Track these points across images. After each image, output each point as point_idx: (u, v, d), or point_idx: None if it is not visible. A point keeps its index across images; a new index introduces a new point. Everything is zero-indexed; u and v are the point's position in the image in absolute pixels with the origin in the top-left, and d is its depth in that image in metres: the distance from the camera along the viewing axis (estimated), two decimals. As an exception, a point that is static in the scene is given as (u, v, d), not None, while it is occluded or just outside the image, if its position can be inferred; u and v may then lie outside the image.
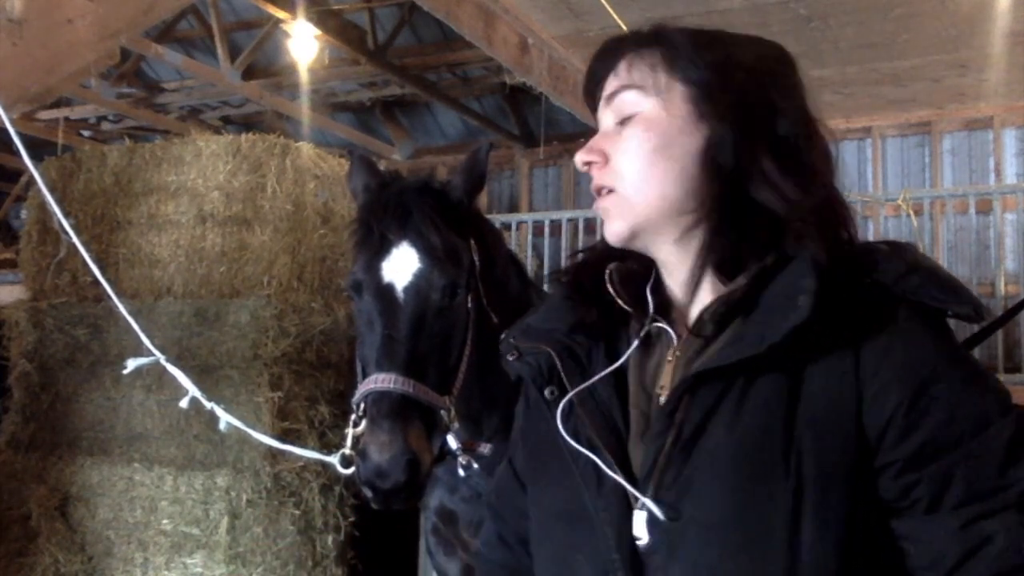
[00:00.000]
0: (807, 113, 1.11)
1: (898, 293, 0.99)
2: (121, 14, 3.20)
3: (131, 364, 3.02)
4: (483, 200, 9.69)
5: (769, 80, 1.10)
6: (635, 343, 1.12)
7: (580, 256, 1.23)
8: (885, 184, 7.87)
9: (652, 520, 1.01)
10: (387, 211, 2.24)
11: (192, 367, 4.47)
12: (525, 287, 2.80)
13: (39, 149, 8.81)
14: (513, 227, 5.68)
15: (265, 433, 4.21)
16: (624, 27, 5.44)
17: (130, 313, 4.44)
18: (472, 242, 2.33)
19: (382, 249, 2.20)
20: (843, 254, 1.03)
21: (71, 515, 4.49)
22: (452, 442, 2.18)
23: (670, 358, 1.10)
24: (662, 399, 1.07)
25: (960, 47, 6.05)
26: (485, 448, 2.45)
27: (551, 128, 8.69)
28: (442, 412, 2.14)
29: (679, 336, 1.11)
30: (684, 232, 1.09)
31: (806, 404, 0.98)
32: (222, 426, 3.09)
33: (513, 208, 9.12)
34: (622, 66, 1.15)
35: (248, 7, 7.36)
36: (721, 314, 1.05)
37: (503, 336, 1.22)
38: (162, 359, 2.99)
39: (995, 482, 0.94)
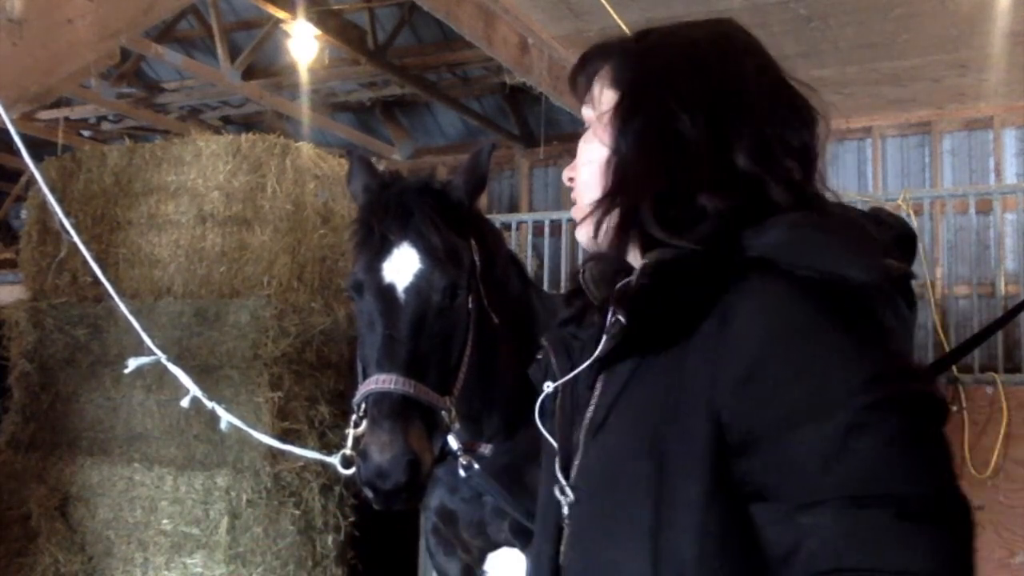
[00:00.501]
0: (748, 95, 1.09)
1: (767, 265, 0.94)
2: (121, 14, 3.20)
3: (132, 363, 3.02)
4: (483, 200, 9.68)
5: (685, 75, 1.10)
6: (604, 336, 1.12)
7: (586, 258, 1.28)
8: (885, 184, 7.87)
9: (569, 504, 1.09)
10: (388, 211, 2.24)
11: (192, 367, 4.47)
12: (525, 287, 2.80)
13: (39, 149, 8.80)
14: (513, 227, 5.68)
15: (265, 433, 4.21)
16: (624, 27, 5.44)
17: (130, 313, 4.45)
18: (472, 242, 2.33)
19: (383, 249, 2.20)
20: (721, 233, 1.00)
21: (71, 515, 4.49)
22: (453, 442, 2.17)
23: None
24: None
25: (960, 47, 6.05)
26: (486, 448, 2.45)
27: (551, 128, 8.69)
28: (443, 413, 2.13)
29: None
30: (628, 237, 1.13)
31: (673, 387, 0.96)
32: (223, 426, 3.09)
33: (513, 208, 9.12)
34: (594, 82, 1.19)
35: (248, 7, 7.36)
36: (618, 307, 1.09)
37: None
38: (163, 358, 3.00)
39: (816, 476, 0.85)
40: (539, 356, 1.25)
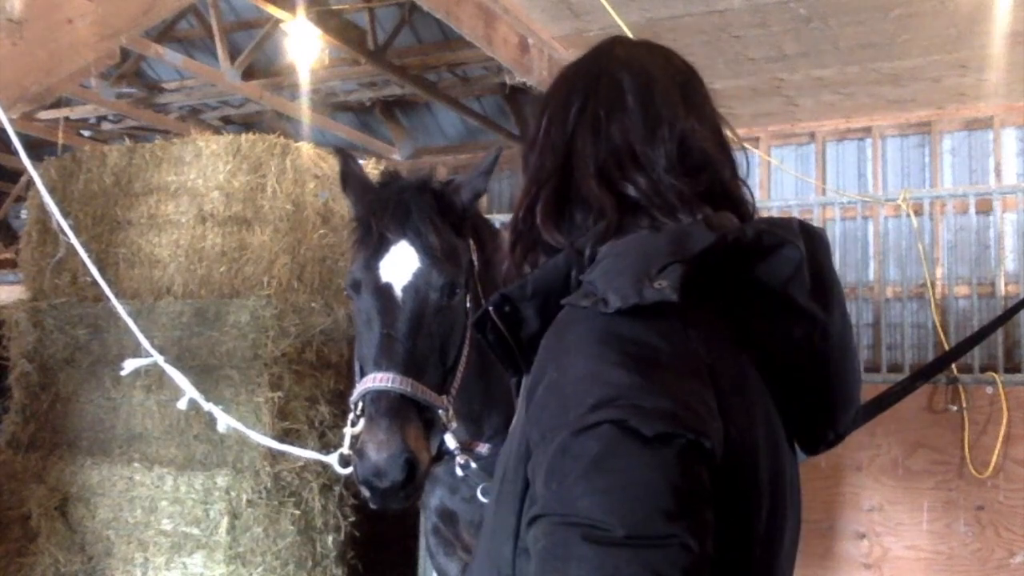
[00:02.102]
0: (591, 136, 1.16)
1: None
2: (121, 14, 3.20)
3: (129, 365, 3.02)
4: (483, 200, 9.68)
5: (556, 91, 1.21)
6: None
7: None
8: (885, 184, 7.86)
9: None
10: (386, 210, 2.24)
11: (192, 367, 4.47)
12: None
13: (39, 149, 8.80)
14: (513, 227, 5.68)
15: (264, 434, 4.21)
16: (624, 27, 5.44)
17: (130, 314, 4.46)
18: (471, 242, 2.33)
19: (381, 248, 2.20)
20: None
21: (71, 515, 4.48)
22: (450, 442, 2.17)
23: None
24: None
25: (960, 47, 6.05)
26: (483, 448, 2.45)
27: (551, 128, 8.68)
28: (440, 411, 2.13)
29: None
30: None
31: (522, 403, 1.06)
32: (221, 428, 3.09)
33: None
34: None
35: (248, 7, 7.36)
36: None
37: None
38: (160, 360, 2.99)
39: (540, 492, 0.90)
40: None
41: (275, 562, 4.26)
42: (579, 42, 6.14)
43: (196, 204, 4.71)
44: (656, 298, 0.92)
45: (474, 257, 2.33)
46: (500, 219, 5.82)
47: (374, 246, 2.22)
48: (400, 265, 2.18)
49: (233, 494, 4.21)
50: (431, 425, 2.12)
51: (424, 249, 2.19)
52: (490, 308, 1.09)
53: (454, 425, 2.18)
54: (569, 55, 6.30)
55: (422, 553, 4.70)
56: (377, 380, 2.06)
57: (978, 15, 5.50)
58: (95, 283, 4.81)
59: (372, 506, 2.12)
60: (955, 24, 5.66)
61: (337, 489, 4.50)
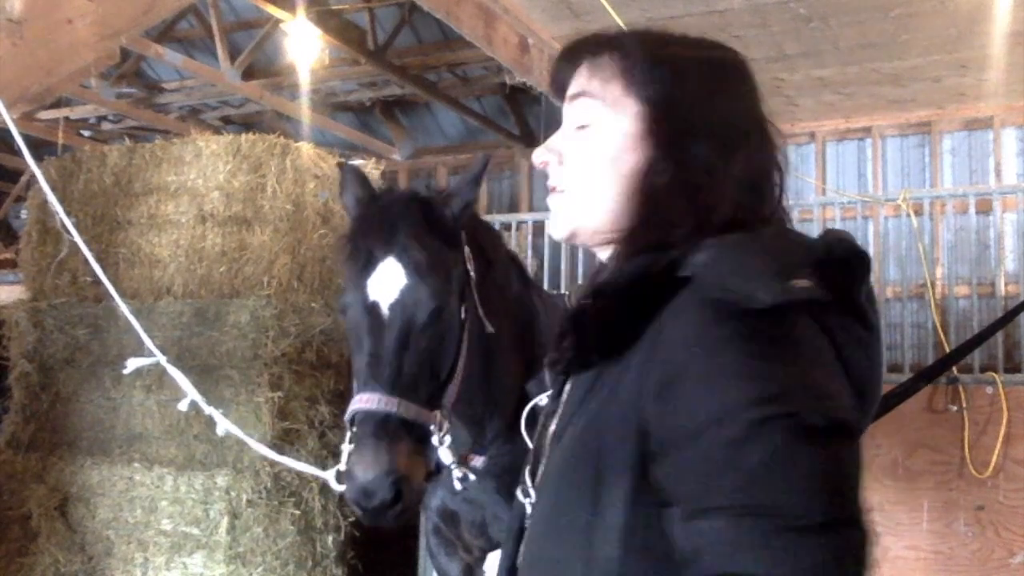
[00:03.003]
0: (745, 122, 1.16)
1: (695, 284, 1.01)
2: (121, 14, 3.20)
3: (131, 364, 3.02)
4: (483, 200, 9.68)
5: (707, 98, 1.15)
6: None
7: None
8: (885, 184, 7.86)
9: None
10: (373, 226, 2.23)
11: (192, 367, 4.47)
12: (526, 287, 2.79)
13: (39, 149, 8.80)
14: (513, 227, 5.67)
15: (265, 434, 4.21)
16: (624, 27, 5.44)
17: (130, 313, 4.46)
18: (467, 251, 2.30)
19: (368, 266, 2.18)
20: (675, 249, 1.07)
21: (71, 515, 4.48)
22: (445, 456, 2.13)
23: None
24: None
25: (960, 47, 6.05)
26: (478, 461, 2.44)
27: (551, 128, 8.66)
28: (432, 427, 2.10)
29: None
30: (613, 239, 1.16)
31: (614, 398, 1.03)
32: (220, 431, 3.09)
33: (513, 208, 9.11)
34: (583, 71, 1.20)
35: (248, 7, 7.36)
36: (574, 317, 1.14)
37: None
38: (163, 360, 2.99)
39: (710, 484, 0.91)
40: (540, 374, 1.30)
41: (275, 562, 4.26)
42: (579, 42, 6.14)
43: (196, 204, 4.71)
44: (804, 296, 0.97)
45: (470, 266, 2.29)
46: (500, 219, 5.83)
47: (361, 264, 2.20)
48: (386, 283, 2.16)
49: (233, 494, 4.21)
50: (424, 441, 2.11)
51: (410, 266, 2.16)
52: (588, 301, 1.11)
53: (448, 440, 2.14)
54: (569, 55, 6.30)
55: (422, 553, 4.70)
56: (363, 401, 2.05)
57: (978, 15, 5.50)
58: (95, 283, 4.83)
59: (365, 523, 2.12)
60: (955, 24, 5.66)
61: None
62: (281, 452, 3.92)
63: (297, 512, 4.35)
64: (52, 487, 4.50)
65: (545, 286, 5.47)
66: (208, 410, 3.02)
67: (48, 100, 6.04)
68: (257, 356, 4.37)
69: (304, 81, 7.45)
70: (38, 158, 4.52)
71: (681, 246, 1.05)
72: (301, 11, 6.44)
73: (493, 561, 3.05)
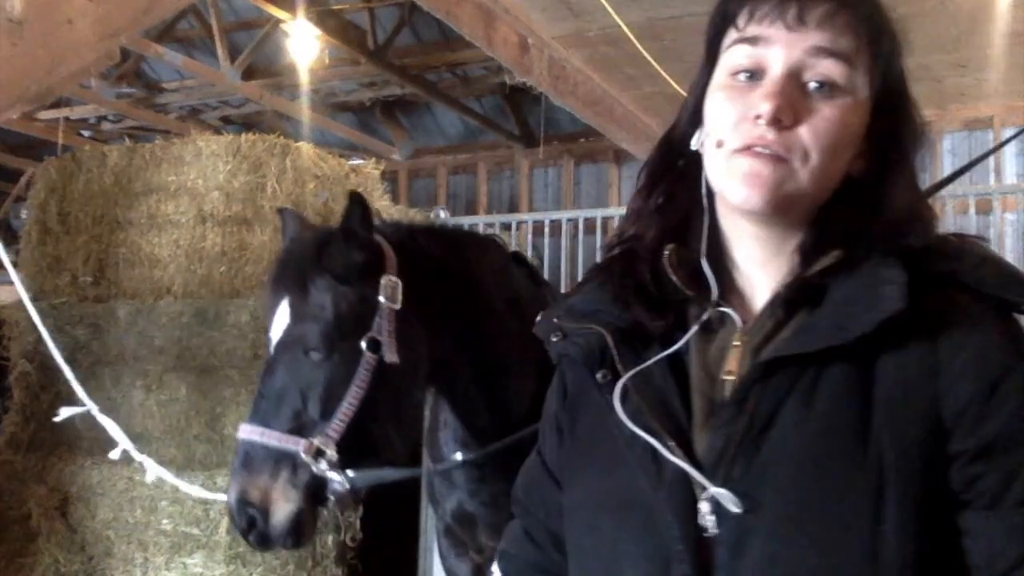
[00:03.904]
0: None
1: (972, 285, 0.98)
2: (121, 14, 3.20)
3: (64, 413, 3.17)
4: (483, 200, 9.69)
5: (901, 59, 1.10)
6: (695, 327, 1.07)
7: (618, 246, 1.18)
8: (885, 184, 7.86)
9: (719, 510, 0.97)
10: (276, 270, 2.34)
11: (192, 367, 4.47)
12: (538, 287, 2.80)
13: (39, 149, 8.81)
14: (513, 227, 5.67)
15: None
16: (624, 27, 5.44)
17: (130, 313, 4.47)
18: (387, 280, 2.25)
19: (272, 305, 2.28)
20: (922, 244, 1.02)
21: (71, 515, 4.48)
22: (331, 475, 2.14)
23: (737, 343, 1.05)
24: (727, 385, 1.04)
25: (960, 47, 6.05)
26: (457, 455, 2.45)
27: (551, 128, 8.69)
28: (303, 456, 2.12)
29: (744, 320, 1.07)
30: (810, 219, 1.05)
31: (883, 393, 0.96)
32: (149, 478, 3.27)
33: (513, 208, 9.12)
34: (826, 18, 1.02)
35: (248, 7, 7.36)
36: (793, 299, 1.02)
37: (540, 316, 1.18)
38: (94, 410, 3.15)
39: None
40: (567, 336, 1.12)
41: (275, 562, 4.26)
42: (579, 42, 6.14)
43: (196, 204, 4.71)
44: None
45: (386, 298, 2.24)
46: (500, 219, 5.83)
47: (267, 305, 2.32)
48: (276, 323, 2.25)
49: (233, 494, 4.21)
50: (294, 470, 2.13)
51: (290, 306, 2.22)
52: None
53: (325, 465, 2.14)
54: (569, 55, 6.30)
55: (422, 553, 4.70)
56: (239, 431, 2.18)
57: (978, 15, 5.50)
58: (95, 283, 4.84)
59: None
60: (955, 24, 5.66)
61: (337, 489, 4.51)
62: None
63: (297, 512, 4.35)
64: (52, 487, 4.50)
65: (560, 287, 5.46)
66: (139, 458, 3.23)
67: (48, 100, 6.04)
68: (257, 356, 4.36)
69: (304, 81, 7.46)
70: (38, 158, 4.54)
71: (893, 240, 1.00)
72: (301, 11, 6.44)
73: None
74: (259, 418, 2.17)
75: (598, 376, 1.08)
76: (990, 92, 7.08)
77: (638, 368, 1.05)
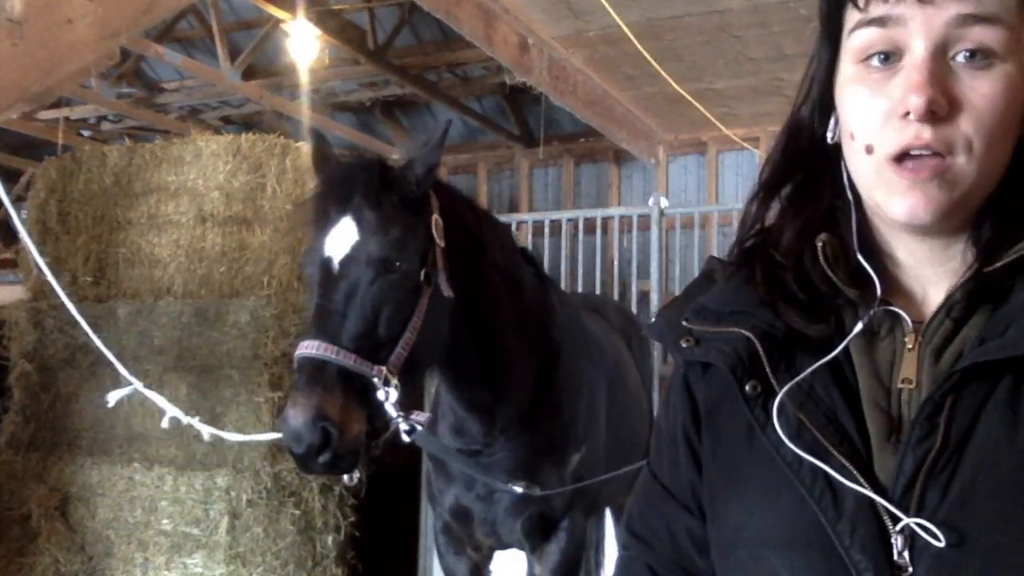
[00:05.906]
0: None
1: None
2: (121, 14, 3.20)
3: (112, 397, 3.14)
4: (483, 200, 9.68)
5: None
6: (856, 329, 0.93)
7: (749, 240, 1.04)
8: (885, 184, 7.87)
9: (915, 544, 0.83)
10: (333, 189, 2.29)
11: (192, 367, 4.48)
12: (543, 284, 2.81)
13: (39, 149, 8.81)
14: (513, 227, 5.68)
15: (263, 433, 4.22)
16: (624, 27, 5.44)
17: (130, 314, 4.47)
18: (435, 218, 2.31)
19: (326, 224, 2.24)
20: None
21: (71, 515, 4.49)
22: (391, 409, 2.15)
23: (910, 346, 0.91)
24: (905, 395, 0.90)
25: (960, 47, 6.05)
26: (420, 416, 2.46)
27: (551, 128, 8.68)
28: (375, 380, 2.11)
29: (914, 321, 0.93)
30: (975, 206, 0.90)
31: None
32: (205, 437, 3.19)
33: (513, 208, 9.11)
34: None
35: (248, 7, 7.36)
36: (974, 298, 0.89)
37: (656, 315, 1.05)
38: (140, 386, 3.10)
39: None
40: (701, 342, 0.98)
41: (275, 562, 4.26)
42: (579, 42, 6.14)
43: (196, 204, 4.72)
44: None
45: (436, 233, 2.30)
46: (501, 219, 5.82)
47: (319, 223, 2.26)
48: (338, 239, 2.21)
49: (233, 494, 4.21)
50: (365, 393, 2.11)
51: (361, 223, 2.20)
52: None
53: (393, 393, 2.14)
54: (569, 55, 6.30)
55: (422, 553, 4.70)
56: (304, 347, 2.09)
57: (978, 15, 5.50)
58: (95, 283, 4.84)
59: (300, 470, 2.16)
60: (955, 24, 5.66)
61: (337, 489, 4.51)
62: (282, 452, 3.94)
63: (297, 512, 4.35)
64: (52, 487, 4.50)
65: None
66: (186, 420, 3.15)
67: (48, 100, 6.04)
68: (257, 356, 4.37)
69: (304, 81, 7.45)
70: (38, 158, 4.54)
71: None
72: (301, 11, 6.44)
73: (501, 560, 3.05)
74: (328, 335, 2.09)
75: (747, 388, 0.93)
76: (990, 92, 7.08)
77: (797, 379, 0.91)
